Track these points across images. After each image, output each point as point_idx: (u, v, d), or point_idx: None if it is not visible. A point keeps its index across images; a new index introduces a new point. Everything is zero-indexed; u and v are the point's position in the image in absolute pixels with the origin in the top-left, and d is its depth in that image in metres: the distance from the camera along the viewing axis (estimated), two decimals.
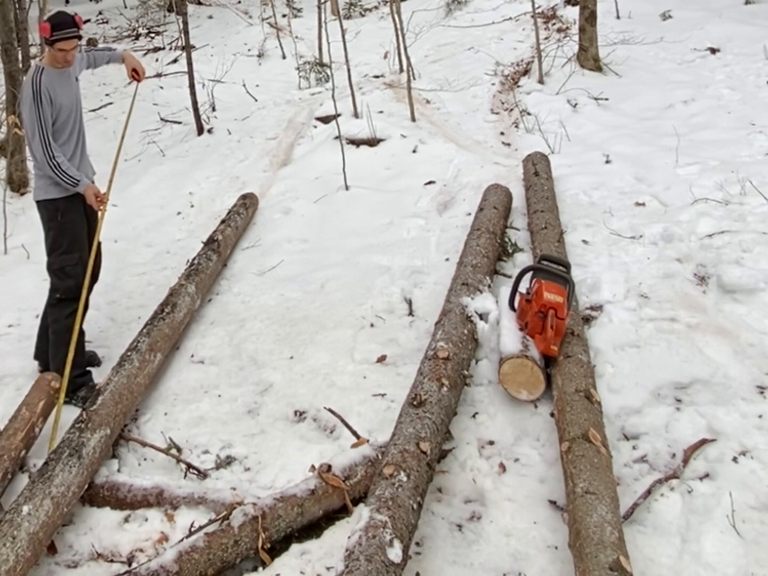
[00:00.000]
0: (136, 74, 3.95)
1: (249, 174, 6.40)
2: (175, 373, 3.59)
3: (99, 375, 3.56)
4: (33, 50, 10.67)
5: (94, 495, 2.74)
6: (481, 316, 3.41)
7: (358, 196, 5.46)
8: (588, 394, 2.77)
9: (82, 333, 3.58)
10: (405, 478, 2.37)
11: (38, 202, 3.61)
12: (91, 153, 7.90)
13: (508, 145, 6.33)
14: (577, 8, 8.10)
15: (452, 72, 8.07)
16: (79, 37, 3.50)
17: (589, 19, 7.58)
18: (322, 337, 3.68)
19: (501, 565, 2.36)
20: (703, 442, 2.67)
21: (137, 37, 12.98)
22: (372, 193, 5.51)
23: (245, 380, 3.47)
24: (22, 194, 6.30)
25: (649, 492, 2.49)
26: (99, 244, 3.83)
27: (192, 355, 3.73)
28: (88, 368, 3.64)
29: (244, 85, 8.91)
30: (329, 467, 2.61)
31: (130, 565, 2.49)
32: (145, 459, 3.02)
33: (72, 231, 3.62)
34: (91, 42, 12.64)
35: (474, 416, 3.00)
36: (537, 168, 5.06)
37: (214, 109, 8.11)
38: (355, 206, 5.31)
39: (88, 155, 3.94)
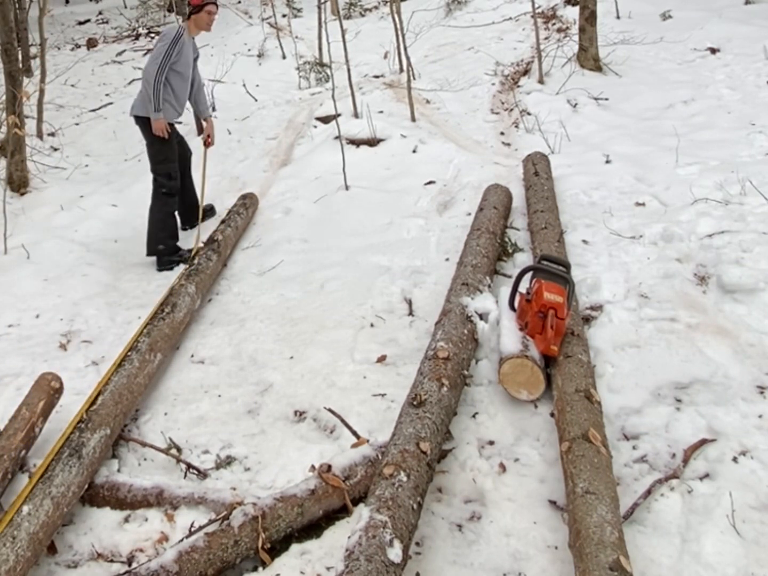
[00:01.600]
0: (209, 140, 5.15)
1: (249, 174, 6.40)
2: (175, 373, 3.59)
3: (99, 375, 3.56)
4: (33, 50, 10.69)
5: (94, 495, 2.74)
6: (481, 316, 3.41)
7: (358, 196, 5.46)
8: (588, 394, 2.77)
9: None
10: (405, 478, 2.37)
11: (140, 117, 4.71)
12: (91, 153, 7.92)
13: (508, 145, 6.34)
14: (577, 8, 8.10)
15: (452, 72, 8.08)
16: (218, 6, 4.82)
17: (589, 19, 7.58)
18: (322, 337, 3.68)
19: (501, 565, 2.36)
20: (703, 442, 2.67)
21: (137, 37, 12.99)
22: (372, 193, 5.51)
23: (245, 380, 3.47)
24: (22, 194, 6.30)
25: (649, 492, 2.49)
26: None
27: (192, 355, 3.73)
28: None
29: (244, 85, 8.91)
30: (329, 467, 2.61)
31: (130, 565, 2.49)
32: (145, 459, 3.02)
33: (172, 144, 4.81)
34: (91, 42, 12.65)
35: (474, 416, 3.00)
36: (537, 168, 5.06)
37: (214, 109, 8.10)
38: (355, 206, 5.31)
39: (202, 102, 5.22)
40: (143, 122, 4.71)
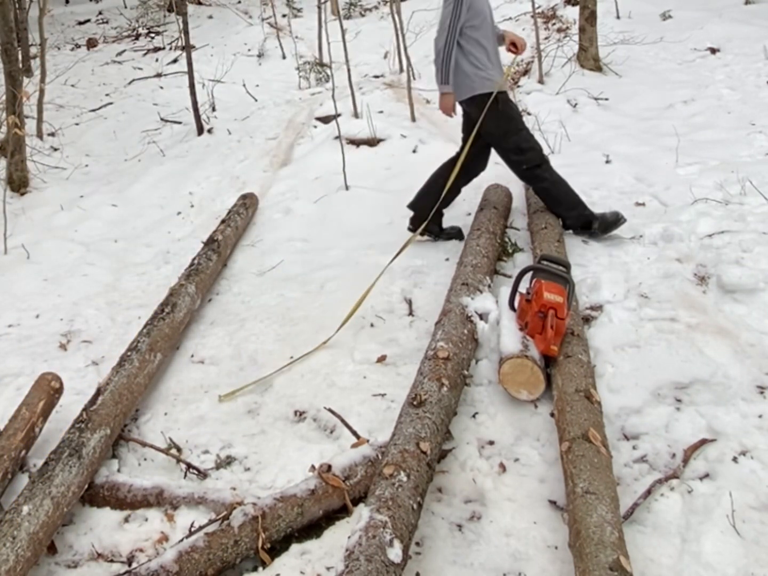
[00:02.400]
0: (514, 47, 4.33)
1: (249, 174, 6.40)
2: (175, 373, 3.59)
3: (99, 375, 3.56)
4: (33, 50, 10.69)
5: (94, 495, 2.74)
6: (481, 316, 3.41)
7: (358, 196, 5.46)
8: (588, 394, 2.78)
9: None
10: (405, 478, 2.37)
11: (472, 99, 4.17)
12: (91, 153, 7.93)
13: None
14: (577, 8, 8.10)
15: None
16: None
17: (589, 19, 7.58)
18: (322, 337, 3.68)
19: (501, 565, 2.36)
20: (703, 442, 2.67)
21: (137, 37, 12.98)
22: (372, 193, 5.51)
23: (245, 380, 3.46)
24: (22, 194, 6.30)
25: (649, 492, 2.49)
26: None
27: (192, 355, 3.73)
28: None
29: (244, 85, 8.91)
30: (329, 467, 2.61)
31: (130, 565, 2.49)
32: (145, 459, 3.02)
33: (510, 115, 4.23)
34: (91, 42, 12.64)
35: (474, 416, 3.00)
36: None
37: (214, 109, 8.11)
38: (355, 206, 5.31)
39: (499, 59, 4.32)
40: (469, 103, 4.20)
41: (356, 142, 6.39)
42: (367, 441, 2.82)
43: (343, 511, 2.59)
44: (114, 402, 2.98)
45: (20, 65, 6.70)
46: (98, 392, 3.02)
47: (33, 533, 2.34)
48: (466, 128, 4.39)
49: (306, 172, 6.10)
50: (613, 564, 2.02)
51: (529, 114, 6.64)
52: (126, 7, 15.51)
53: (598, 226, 4.18)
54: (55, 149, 7.49)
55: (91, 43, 12.59)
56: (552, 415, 2.91)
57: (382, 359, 3.44)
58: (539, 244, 4.03)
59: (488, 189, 4.85)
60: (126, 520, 2.66)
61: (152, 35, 12.92)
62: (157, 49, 11.77)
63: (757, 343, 3.12)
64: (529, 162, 4.23)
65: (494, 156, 5.29)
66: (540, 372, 2.97)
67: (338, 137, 5.87)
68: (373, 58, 9.49)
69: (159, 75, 10.14)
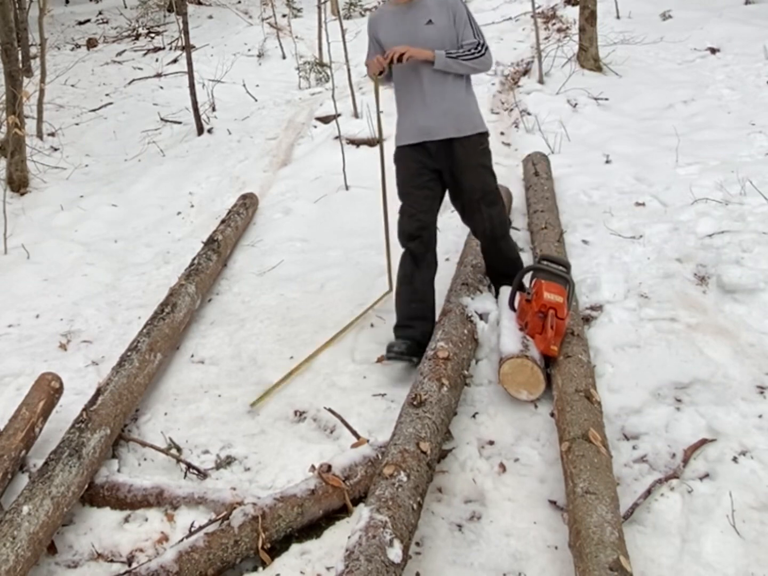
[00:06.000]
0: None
1: (249, 174, 6.40)
2: (175, 373, 3.59)
3: (99, 375, 3.56)
4: (33, 50, 10.69)
5: (94, 495, 2.74)
6: (481, 316, 3.41)
7: (358, 196, 5.46)
8: (588, 394, 2.77)
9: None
10: (405, 478, 2.37)
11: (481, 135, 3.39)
12: (91, 153, 7.93)
13: (508, 145, 6.33)
14: (577, 8, 8.11)
15: None
16: None
17: (589, 19, 7.58)
18: (322, 337, 3.68)
19: (501, 565, 2.35)
20: (703, 442, 2.67)
21: (137, 37, 12.99)
22: (372, 193, 5.49)
23: (245, 380, 3.47)
24: (22, 194, 6.31)
25: (649, 492, 2.48)
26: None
27: (192, 355, 3.73)
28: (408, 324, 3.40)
29: (244, 85, 8.92)
30: (329, 467, 2.61)
31: (130, 565, 2.48)
32: (145, 459, 3.02)
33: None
34: (91, 42, 12.65)
35: (474, 416, 3.00)
36: (537, 168, 5.06)
37: (214, 109, 8.11)
38: (355, 206, 5.31)
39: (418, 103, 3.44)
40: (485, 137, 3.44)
41: (356, 142, 6.39)
42: (367, 441, 2.82)
43: (343, 511, 2.59)
44: (114, 402, 2.98)
45: (20, 65, 6.70)
46: (98, 392, 3.02)
47: (33, 533, 2.34)
48: None
49: (306, 172, 6.10)
50: (613, 564, 2.02)
51: (529, 114, 6.65)
52: (126, 7, 15.51)
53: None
54: (55, 149, 7.50)
55: (91, 43, 12.59)
56: (552, 415, 2.91)
57: (382, 359, 3.44)
58: (539, 244, 4.03)
59: None
60: (126, 520, 2.66)
61: (152, 35, 12.92)
62: (157, 49, 11.77)
63: (757, 343, 3.12)
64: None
65: (494, 156, 5.28)
66: (540, 372, 2.97)
67: (338, 137, 5.87)
68: None
69: (159, 75, 10.15)
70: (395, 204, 3.50)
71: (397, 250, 3.55)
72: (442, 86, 3.27)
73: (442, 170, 3.38)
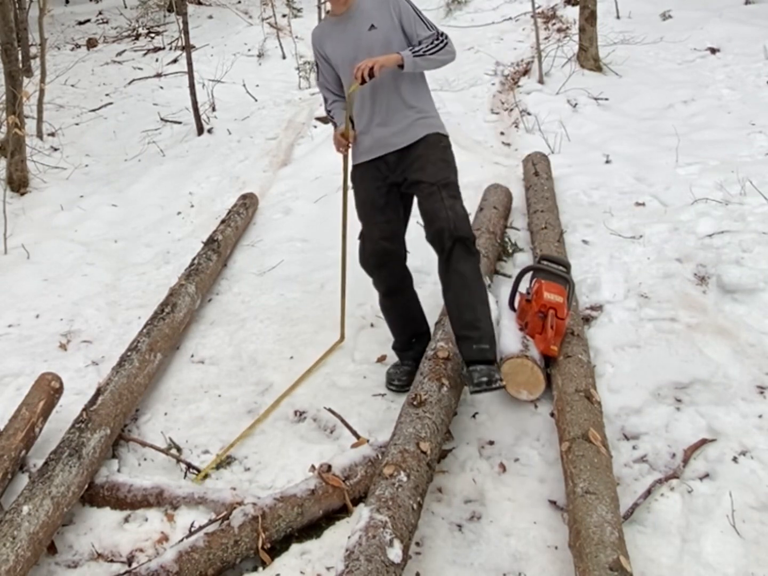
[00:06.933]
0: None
1: (249, 174, 6.39)
2: (175, 373, 3.59)
3: (99, 375, 3.56)
4: (33, 50, 10.69)
5: (94, 495, 2.74)
6: None
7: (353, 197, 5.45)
8: (588, 394, 2.77)
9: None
10: (405, 478, 2.37)
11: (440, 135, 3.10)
12: (91, 153, 7.92)
13: (508, 145, 6.33)
14: (577, 8, 8.10)
15: (452, 72, 8.07)
16: None
17: (589, 19, 7.58)
18: (322, 337, 3.68)
19: (501, 565, 2.36)
20: (703, 442, 2.67)
21: (137, 37, 12.99)
22: None
23: (245, 380, 3.47)
24: (22, 194, 6.31)
25: (649, 492, 2.49)
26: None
27: (192, 355, 3.73)
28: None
29: (244, 85, 8.92)
30: (329, 467, 2.61)
31: (130, 565, 2.49)
32: (145, 459, 3.02)
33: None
34: (91, 42, 12.64)
35: (474, 416, 3.00)
36: (537, 168, 5.06)
37: (214, 109, 8.11)
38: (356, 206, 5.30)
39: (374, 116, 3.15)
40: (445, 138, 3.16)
41: None
42: (367, 441, 2.82)
43: (343, 511, 2.59)
44: (114, 402, 2.98)
45: (20, 65, 6.70)
46: (98, 392, 3.02)
47: (33, 533, 2.34)
48: None
49: (306, 172, 6.10)
50: (613, 564, 2.02)
51: (529, 114, 6.65)
52: (126, 7, 15.51)
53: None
54: (55, 149, 7.50)
55: (91, 43, 12.59)
56: (552, 415, 2.91)
57: (382, 359, 3.45)
58: (539, 244, 4.03)
59: (488, 189, 4.84)
60: (126, 520, 2.66)
61: (152, 35, 12.92)
62: (157, 49, 11.77)
63: (757, 343, 3.12)
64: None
65: (494, 156, 5.31)
66: (540, 372, 2.97)
67: None
68: None
69: (159, 75, 10.15)
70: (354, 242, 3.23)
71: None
72: (399, 93, 3.02)
73: (401, 181, 3.07)
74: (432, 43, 2.93)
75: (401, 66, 2.87)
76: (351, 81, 2.92)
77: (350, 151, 3.17)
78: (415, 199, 3.08)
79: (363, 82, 2.83)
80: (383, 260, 3.12)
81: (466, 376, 2.82)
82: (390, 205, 3.11)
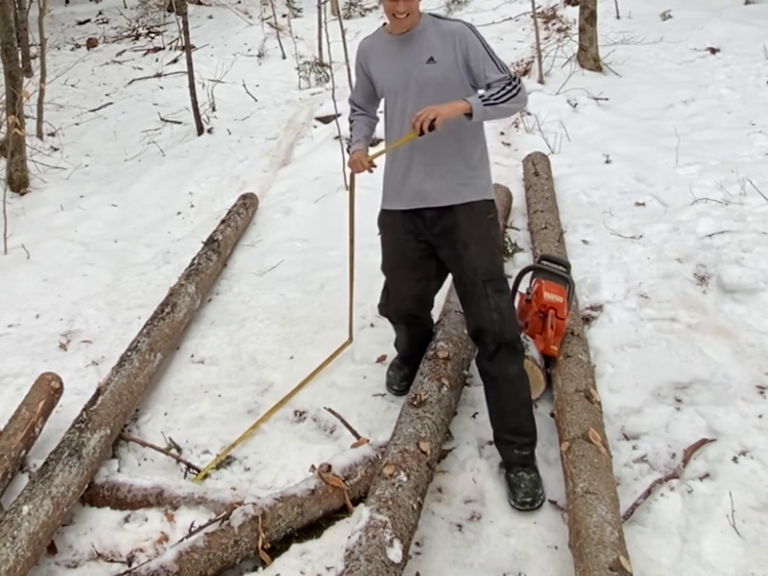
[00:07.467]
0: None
1: (249, 174, 6.39)
2: (175, 373, 3.59)
3: (99, 375, 3.56)
4: (33, 50, 10.69)
5: (94, 495, 2.74)
6: None
7: (359, 196, 5.43)
8: (588, 394, 2.77)
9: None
10: (405, 478, 2.37)
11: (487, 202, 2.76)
12: (91, 153, 7.92)
13: (508, 145, 6.33)
14: (577, 8, 8.11)
15: None
16: None
17: (589, 19, 7.58)
18: (322, 337, 3.68)
19: (501, 565, 2.36)
20: (703, 442, 2.67)
21: (137, 37, 12.99)
22: (372, 193, 5.49)
23: (245, 380, 3.47)
24: (22, 194, 6.31)
25: (649, 492, 2.49)
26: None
27: (192, 355, 3.73)
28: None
29: (244, 85, 8.91)
30: (329, 467, 2.61)
31: (130, 565, 2.49)
32: (145, 459, 3.02)
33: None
34: (91, 42, 12.65)
35: (474, 416, 3.00)
36: (537, 168, 5.06)
37: (214, 109, 8.11)
38: (356, 206, 5.29)
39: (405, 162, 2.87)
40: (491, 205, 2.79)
41: None
42: (367, 441, 2.82)
43: (343, 511, 2.59)
44: (114, 402, 2.98)
45: (20, 65, 6.70)
46: (98, 392, 3.02)
47: (33, 533, 2.34)
48: None
49: (306, 172, 6.10)
50: (613, 564, 2.02)
51: (529, 114, 6.64)
52: (126, 7, 15.52)
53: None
54: (55, 149, 7.50)
55: (91, 43, 12.60)
56: (552, 415, 2.91)
57: (382, 359, 3.45)
58: (539, 244, 4.03)
59: None
60: (126, 520, 2.66)
61: (152, 35, 12.92)
62: (157, 49, 11.77)
63: (757, 343, 3.12)
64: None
65: (494, 156, 5.28)
66: (540, 372, 2.97)
67: (338, 137, 5.87)
68: None
69: (159, 75, 10.15)
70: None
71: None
72: (453, 141, 2.66)
73: (438, 245, 2.77)
74: (504, 88, 2.53)
75: (468, 115, 2.49)
76: (406, 128, 2.58)
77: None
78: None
79: (422, 133, 2.47)
80: (407, 320, 3.02)
81: (508, 483, 2.62)
82: (423, 261, 2.83)
